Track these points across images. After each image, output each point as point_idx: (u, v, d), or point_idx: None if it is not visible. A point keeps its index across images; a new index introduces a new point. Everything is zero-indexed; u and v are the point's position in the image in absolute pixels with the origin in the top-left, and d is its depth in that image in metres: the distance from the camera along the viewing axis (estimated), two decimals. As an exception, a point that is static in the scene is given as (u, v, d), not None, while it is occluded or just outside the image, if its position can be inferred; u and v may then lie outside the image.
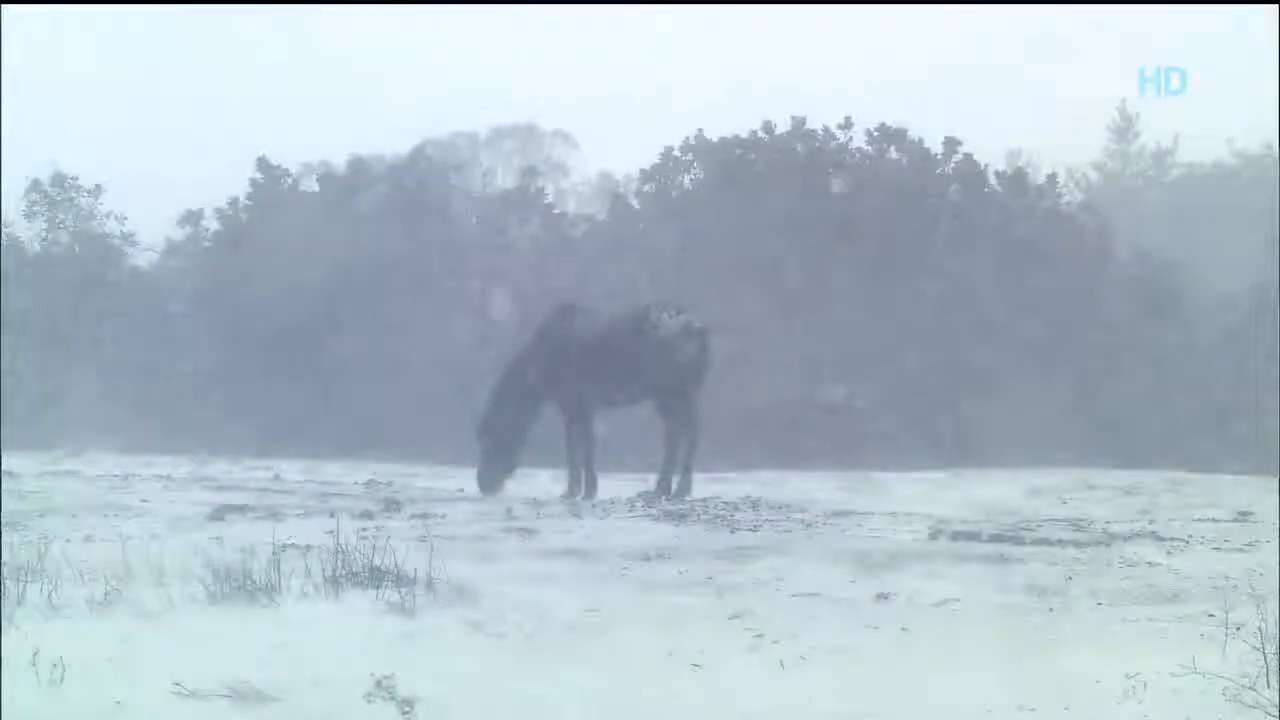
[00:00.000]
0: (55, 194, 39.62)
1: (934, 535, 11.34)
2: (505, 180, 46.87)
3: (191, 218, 40.49)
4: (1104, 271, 36.64)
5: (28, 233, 39.64)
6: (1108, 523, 12.83)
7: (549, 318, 17.08)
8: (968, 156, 37.65)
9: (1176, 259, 36.82)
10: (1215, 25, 43.90)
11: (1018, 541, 10.83)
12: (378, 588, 7.80)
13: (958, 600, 8.46)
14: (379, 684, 6.38)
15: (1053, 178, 39.59)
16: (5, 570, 7.41)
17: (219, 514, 11.89)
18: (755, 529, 11.64)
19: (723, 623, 7.79)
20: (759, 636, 7.47)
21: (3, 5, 33.55)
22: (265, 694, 6.15)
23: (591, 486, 16.00)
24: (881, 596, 8.52)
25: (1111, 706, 6.44)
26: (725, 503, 14.18)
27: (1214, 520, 13.59)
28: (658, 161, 38.93)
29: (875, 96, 50.52)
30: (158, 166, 49.03)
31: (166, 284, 40.57)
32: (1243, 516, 14.06)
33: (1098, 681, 6.67)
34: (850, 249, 35.77)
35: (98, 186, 39.83)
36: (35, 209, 39.53)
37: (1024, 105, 51.50)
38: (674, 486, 15.69)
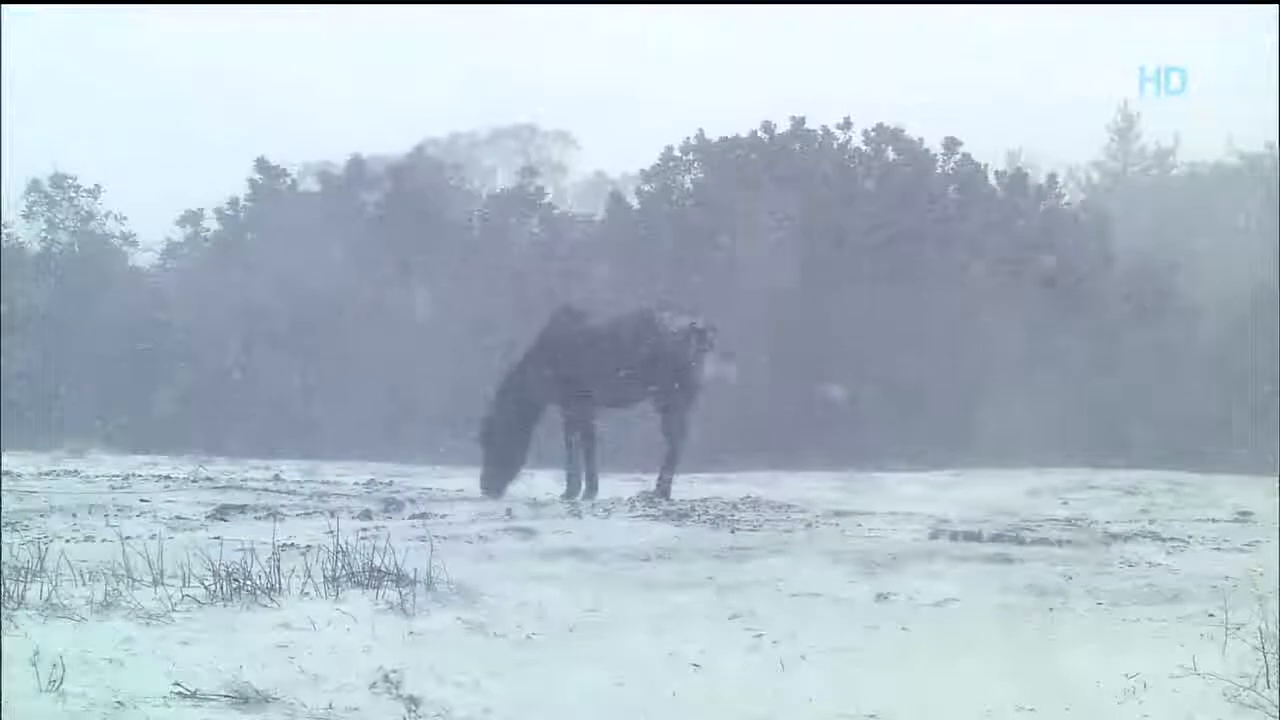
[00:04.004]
0: (55, 194, 39.63)
1: (934, 535, 11.33)
2: (505, 180, 46.89)
3: (191, 218, 40.50)
4: (1104, 271, 36.63)
5: (28, 233, 39.70)
6: (1108, 523, 12.82)
7: (552, 319, 17.09)
8: (967, 156, 37.68)
9: (1177, 259, 36.82)
10: (1215, 25, 43.82)
11: (1018, 541, 10.82)
12: (378, 588, 7.79)
13: (958, 600, 8.46)
14: (385, 678, 6.39)
15: (1053, 178, 39.61)
16: (5, 570, 7.40)
17: (219, 514, 11.88)
18: (755, 529, 11.64)
19: (723, 623, 7.79)
20: (759, 636, 7.47)
21: (2, 5, 33.54)
22: (265, 694, 6.15)
23: (592, 487, 16.02)
24: (881, 596, 8.52)
25: (1111, 706, 6.44)
26: (725, 503, 14.18)
27: (1214, 520, 13.58)
28: (658, 161, 38.95)
29: (874, 96, 50.50)
30: (158, 166, 49.07)
31: (166, 284, 40.57)
32: (1243, 516, 14.06)
33: (1098, 681, 6.67)
34: (850, 249, 35.79)
35: (98, 186, 39.91)
36: (35, 209, 39.55)
37: (1024, 105, 51.44)
38: (663, 486, 15.77)
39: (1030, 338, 33.65)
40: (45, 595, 7.21)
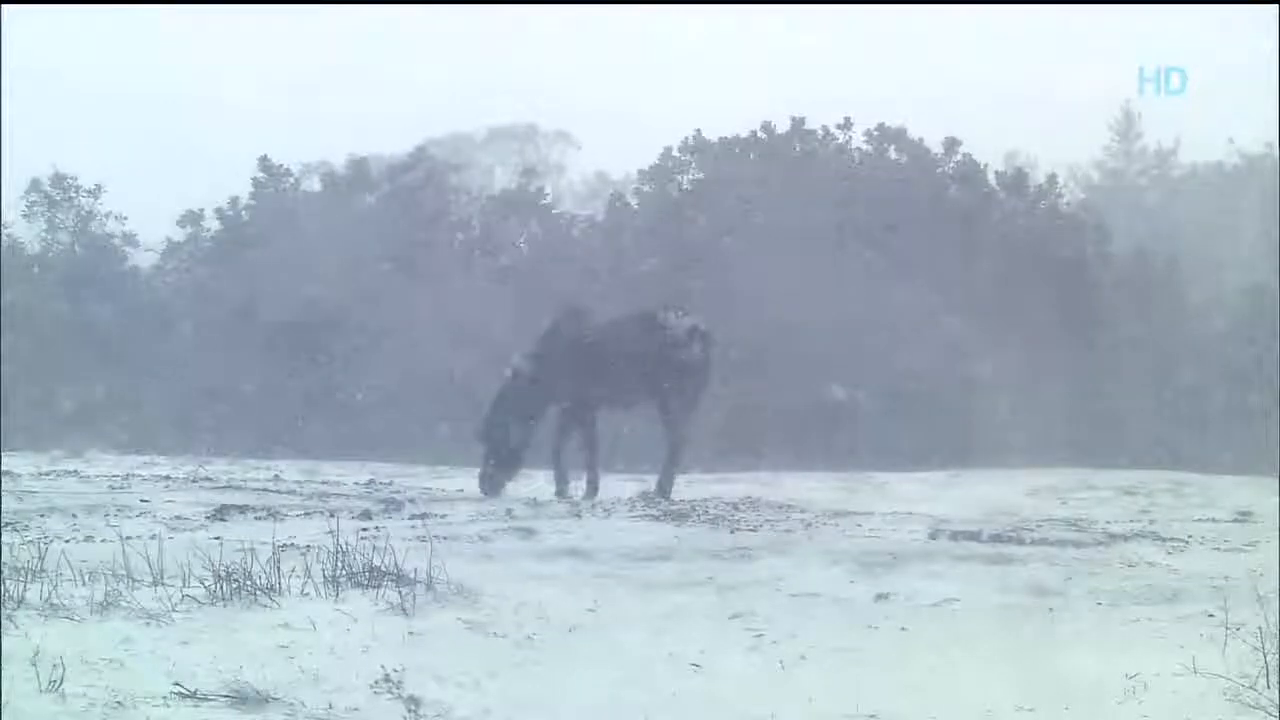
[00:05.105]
0: (55, 194, 39.62)
1: (934, 535, 11.32)
2: (505, 180, 46.92)
3: (191, 218, 40.47)
4: (1104, 271, 36.64)
5: (28, 233, 39.68)
6: (1108, 523, 12.81)
7: (556, 320, 17.07)
8: (967, 156, 37.68)
9: (1176, 259, 36.84)
10: (1215, 25, 43.84)
11: (1018, 541, 10.81)
12: (378, 588, 7.79)
13: (958, 600, 8.45)
14: (385, 678, 6.39)
15: (1053, 178, 39.62)
16: (5, 570, 7.40)
17: (219, 514, 11.87)
18: (755, 529, 11.62)
19: (723, 623, 7.79)
20: (759, 636, 7.47)
21: (2, 5, 33.54)
22: (265, 694, 6.15)
23: (592, 487, 16.02)
24: (881, 596, 8.52)
25: (1111, 706, 6.44)
26: (725, 503, 14.15)
27: (1214, 520, 13.58)
28: (657, 162, 38.94)
29: (875, 96, 50.49)
30: (158, 166, 49.07)
31: (166, 284, 40.56)
32: (1243, 516, 14.06)
33: (1098, 681, 6.67)
34: (849, 249, 35.79)
35: (98, 186, 39.88)
36: (35, 209, 39.53)
37: (1024, 105, 51.46)
38: (664, 486, 15.78)
39: (1030, 338, 33.64)
40: (45, 595, 7.20)
